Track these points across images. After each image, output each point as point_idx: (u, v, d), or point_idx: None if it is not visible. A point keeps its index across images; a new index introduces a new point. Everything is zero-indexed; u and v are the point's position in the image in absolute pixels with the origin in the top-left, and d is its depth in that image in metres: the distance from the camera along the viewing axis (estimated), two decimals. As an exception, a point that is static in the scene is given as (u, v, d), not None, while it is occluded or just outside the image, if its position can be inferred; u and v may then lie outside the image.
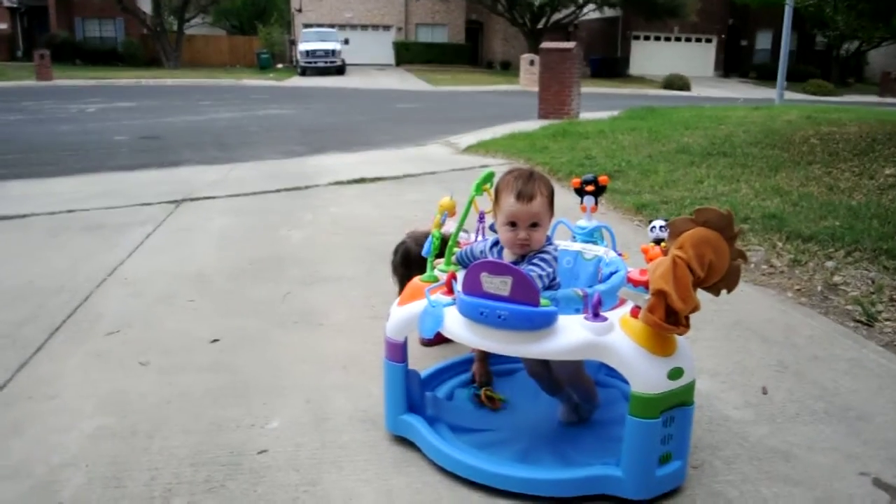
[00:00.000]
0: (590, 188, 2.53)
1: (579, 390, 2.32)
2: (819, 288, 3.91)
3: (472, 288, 1.90)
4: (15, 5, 36.24)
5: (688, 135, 9.79)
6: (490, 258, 2.17)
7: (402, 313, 2.18)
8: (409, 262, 2.84)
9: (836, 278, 4.03)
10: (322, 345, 3.09)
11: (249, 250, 4.56)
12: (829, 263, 4.25)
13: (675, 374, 1.88)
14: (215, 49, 40.84)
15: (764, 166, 7.27)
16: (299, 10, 40.02)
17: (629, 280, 2.02)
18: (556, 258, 2.13)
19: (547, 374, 2.26)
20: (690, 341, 3.07)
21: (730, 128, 10.64)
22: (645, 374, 1.85)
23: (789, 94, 24.40)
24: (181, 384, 2.73)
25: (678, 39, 40.82)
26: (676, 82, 31.34)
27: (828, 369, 2.89)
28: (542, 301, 1.86)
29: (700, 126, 10.89)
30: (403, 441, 2.28)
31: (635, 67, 39.22)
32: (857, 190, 6.22)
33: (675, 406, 1.91)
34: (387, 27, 41.97)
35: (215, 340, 3.12)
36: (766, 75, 35.06)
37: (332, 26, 38.21)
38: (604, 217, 5.54)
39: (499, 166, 7.64)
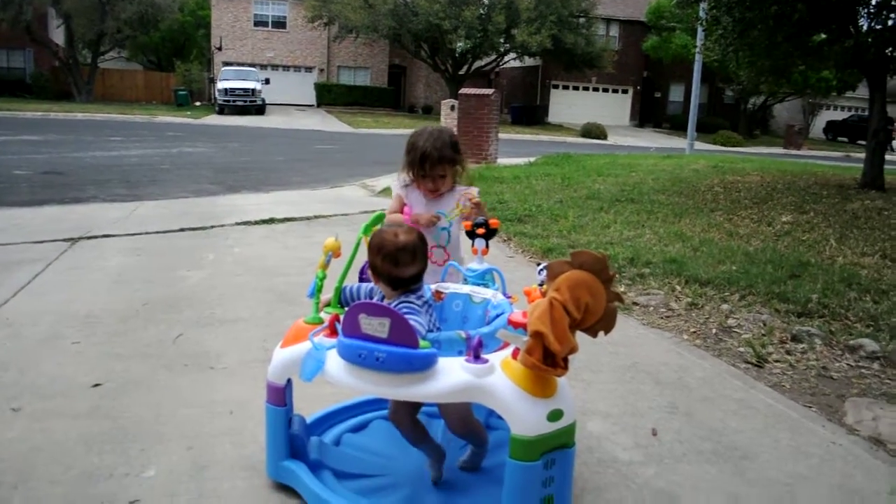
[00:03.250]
0: (480, 231, 2.54)
1: (470, 435, 2.28)
2: (714, 330, 4.02)
3: (351, 330, 1.85)
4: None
5: (599, 181, 10.06)
6: (369, 300, 2.13)
7: (285, 356, 2.11)
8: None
9: (731, 321, 4.16)
10: (211, 389, 2.97)
11: (144, 291, 4.39)
12: (725, 307, 4.38)
13: (555, 415, 1.86)
14: (130, 84, 39.90)
15: (669, 213, 7.51)
16: (219, 49, 39.62)
17: (510, 322, 2.01)
18: (420, 305, 2.11)
19: (407, 421, 2.21)
20: (586, 384, 3.11)
21: (640, 175, 11.00)
22: (524, 416, 1.83)
23: (700, 145, 25.49)
24: (54, 431, 2.57)
25: (596, 90, 42.18)
26: (594, 131, 32.26)
27: (717, 410, 2.95)
28: (422, 343, 1.82)
29: (612, 173, 11.22)
30: (285, 488, 2.20)
31: (554, 115, 40.27)
32: (755, 236, 6.48)
33: (555, 448, 1.89)
34: (309, 68, 41.92)
35: (97, 385, 2.96)
36: (678, 126, 36.53)
37: (252, 65, 37.95)
38: (511, 259, 5.59)
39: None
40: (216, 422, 2.67)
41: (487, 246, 2.56)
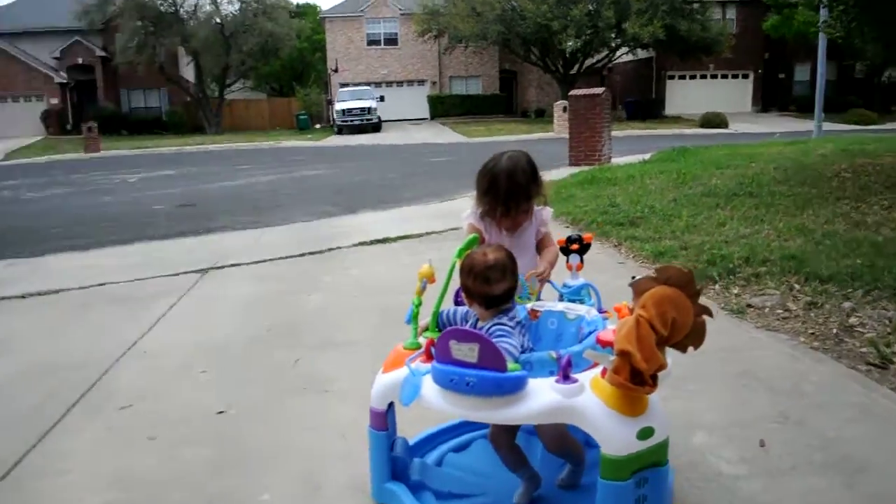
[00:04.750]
0: (574, 247, 2.57)
1: (567, 454, 2.32)
2: (834, 331, 3.84)
3: (443, 355, 1.94)
4: (65, 81, 37.95)
5: (717, 175, 9.73)
6: (461, 325, 2.21)
7: (385, 381, 2.22)
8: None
9: (853, 319, 3.96)
10: (325, 412, 3.15)
11: (268, 317, 4.67)
12: (847, 304, 4.17)
13: (646, 433, 1.88)
14: (256, 113, 42.10)
15: (790, 205, 7.19)
16: (335, 71, 41.05)
17: (598, 340, 2.04)
18: (513, 326, 2.17)
19: (506, 441, 2.26)
20: (691, 394, 3.06)
21: (761, 165, 10.55)
22: (613, 435, 1.86)
23: (830, 126, 24.11)
24: (184, 458, 2.80)
25: (714, 76, 40.72)
26: (714, 120, 31.16)
27: (832, 417, 2.84)
28: (511, 366, 1.89)
29: (731, 165, 10.82)
30: (390, 509, 2.30)
31: (671, 107, 39.16)
32: (885, 224, 6.10)
33: (647, 466, 1.91)
34: (421, 82, 42.74)
35: (221, 412, 3.19)
36: (805, 108, 34.59)
37: (367, 84, 39.07)
38: (622, 266, 5.54)
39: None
40: (329, 444, 2.83)
41: (582, 261, 2.59)
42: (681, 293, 1.87)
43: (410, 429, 2.54)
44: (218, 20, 38.02)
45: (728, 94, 40.07)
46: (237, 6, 38.91)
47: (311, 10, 51.85)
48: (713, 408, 2.98)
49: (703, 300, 4.45)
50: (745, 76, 40.83)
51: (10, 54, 37.13)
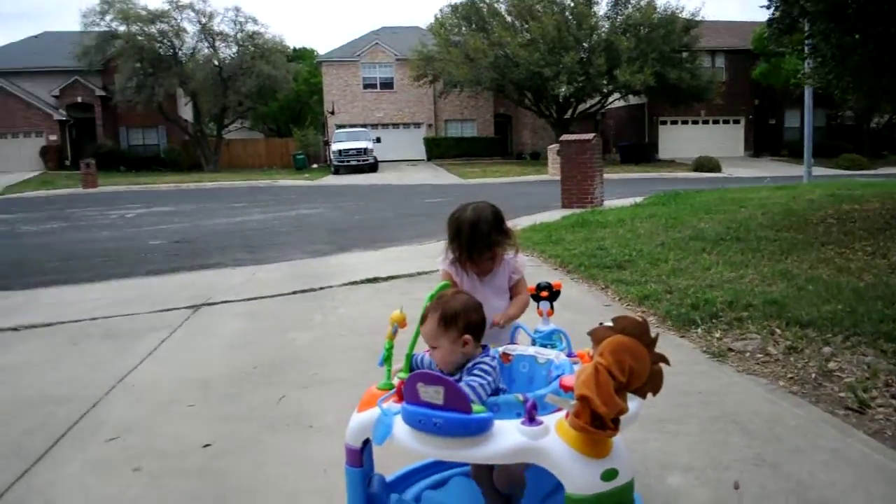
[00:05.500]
0: (544, 294, 2.66)
1: (513, 489, 2.37)
2: (813, 375, 3.91)
3: (412, 397, 2.01)
4: (64, 118, 38.38)
5: (706, 220, 9.87)
6: (427, 369, 2.29)
7: (359, 419, 2.28)
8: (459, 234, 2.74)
9: (832, 364, 4.03)
10: (308, 448, 3.19)
11: (255, 354, 4.72)
12: (826, 349, 4.24)
13: (609, 475, 1.93)
14: (253, 152, 42.53)
15: (776, 250, 7.29)
16: (332, 113, 41.57)
17: (561, 385, 2.11)
18: (494, 367, 2.25)
19: (488, 478, 2.32)
20: (670, 436, 3.12)
21: (749, 210, 10.71)
22: (578, 476, 1.91)
23: (821, 171, 24.45)
24: (168, 488, 2.85)
25: (705, 122, 41.26)
26: (706, 164, 31.51)
27: (807, 461, 2.89)
28: (476, 408, 1.95)
29: (720, 209, 10.98)
30: (367, 546, 2.34)
31: (665, 151, 39.59)
32: (868, 270, 6.20)
33: (613, 507, 1.96)
34: (417, 124, 43.32)
35: (207, 445, 3.23)
36: (796, 152, 34.91)
37: (364, 126, 39.53)
38: (608, 308, 5.61)
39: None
40: (311, 480, 2.87)
41: (552, 307, 2.67)
42: (637, 342, 1.94)
43: (393, 466, 2.59)
44: (216, 62, 38.63)
45: (721, 138, 40.58)
46: (235, 49, 39.59)
47: (307, 54, 52.77)
48: (690, 449, 3.03)
49: (683, 343, 4.51)
50: (737, 121, 41.39)
51: (9, 91, 37.68)
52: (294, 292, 6.74)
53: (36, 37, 43.28)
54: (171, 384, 4.16)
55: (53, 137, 38.23)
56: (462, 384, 2.15)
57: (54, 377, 4.40)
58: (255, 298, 6.52)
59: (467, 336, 2.29)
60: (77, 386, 4.18)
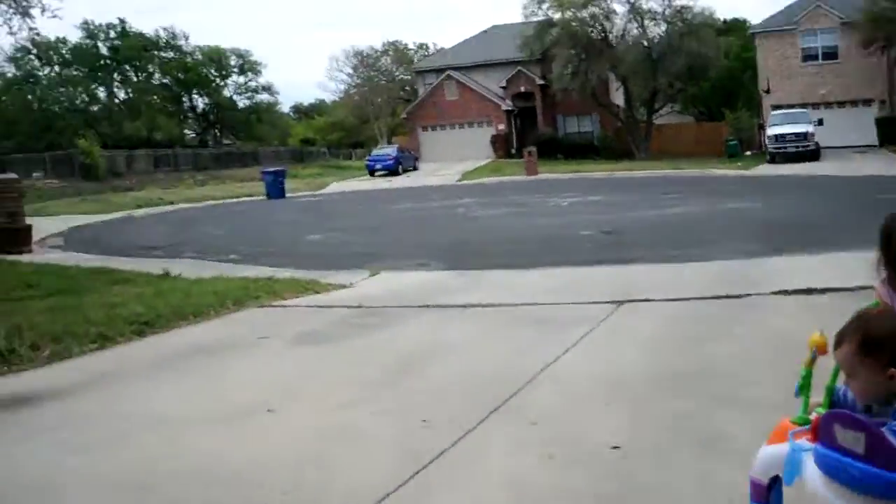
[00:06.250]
0: None
1: None
2: None
3: (827, 439, 1.86)
4: (510, 108, 42.45)
5: None
6: (849, 408, 2.04)
7: (768, 452, 2.16)
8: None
9: None
10: (716, 469, 3.13)
11: (672, 361, 4.76)
12: None
13: None
14: (683, 138, 41.79)
15: None
16: (767, 91, 38.11)
17: None
18: None
19: None
20: None
21: None
22: None
23: None
24: (574, 482, 3.08)
25: None
26: None
27: None
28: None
29: None
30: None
31: None
32: None
33: None
34: (867, 101, 37.27)
35: (616, 447, 3.39)
36: None
37: (803, 106, 35.37)
38: None
39: None
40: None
41: None
42: None
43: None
44: (645, 43, 38.85)
45: None
46: (663, 28, 39.28)
47: (739, 25, 49.00)
48: None
49: None
50: None
51: (465, 85, 43.30)
52: (716, 297, 6.53)
53: (485, 31, 48.41)
54: (588, 379, 4.42)
55: (501, 126, 42.72)
56: (885, 430, 1.83)
57: (489, 356, 5.02)
58: (675, 300, 6.50)
59: (894, 370, 1.90)
60: (503, 367, 4.71)
